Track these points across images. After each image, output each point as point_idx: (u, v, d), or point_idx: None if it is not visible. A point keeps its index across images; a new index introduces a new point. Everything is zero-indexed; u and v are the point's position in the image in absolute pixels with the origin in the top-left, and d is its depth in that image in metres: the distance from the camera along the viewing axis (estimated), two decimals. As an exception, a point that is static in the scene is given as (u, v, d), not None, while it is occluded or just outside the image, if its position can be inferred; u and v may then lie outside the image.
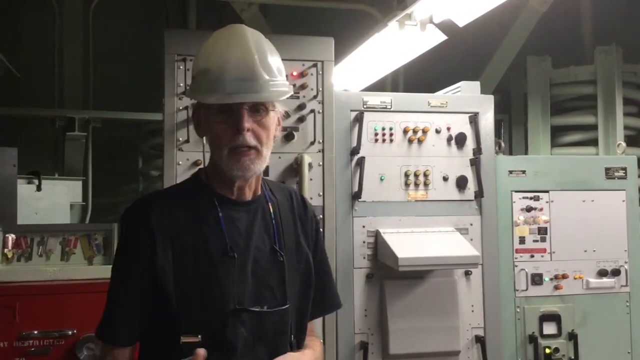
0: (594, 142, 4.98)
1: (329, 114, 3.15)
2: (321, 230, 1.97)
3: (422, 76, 5.00)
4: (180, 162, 2.99)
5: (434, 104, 3.35)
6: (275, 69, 1.66)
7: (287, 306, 1.69)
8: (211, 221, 1.66)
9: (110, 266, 3.05)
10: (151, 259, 1.61)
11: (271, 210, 1.76)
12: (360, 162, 3.21)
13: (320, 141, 3.14)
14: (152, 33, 4.84)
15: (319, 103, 3.14)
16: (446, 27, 3.21)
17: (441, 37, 3.29)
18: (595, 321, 3.60)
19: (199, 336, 1.58)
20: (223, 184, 1.71)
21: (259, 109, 1.64)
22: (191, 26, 5.48)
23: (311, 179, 3.07)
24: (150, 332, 1.65)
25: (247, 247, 1.68)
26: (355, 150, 3.21)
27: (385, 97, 3.32)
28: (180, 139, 2.99)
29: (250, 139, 1.62)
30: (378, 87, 4.70)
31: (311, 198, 3.07)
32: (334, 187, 3.16)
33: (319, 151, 3.13)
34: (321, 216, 3.10)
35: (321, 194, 3.13)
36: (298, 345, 1.76)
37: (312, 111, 3.14)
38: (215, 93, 1.60)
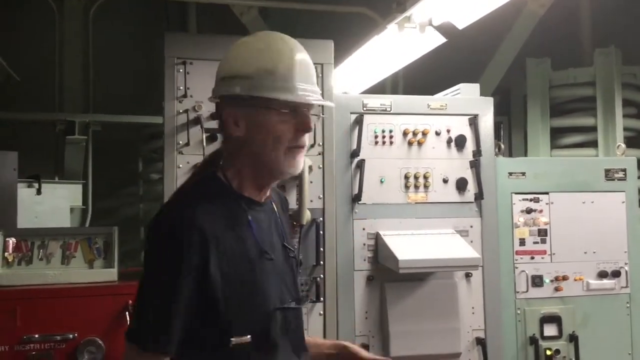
0: (593, 144, 4.98)
1: (329, 116, 3.16)
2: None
3: (422, 78, 5.01)
4: (181, 165, 3.00)
5: (434, 106, 3.36)
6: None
7: (307, 302, 1.76)
8: (243, 224, 1.68)
9: (111, 269, 3.09)
10: (203, 265, 1.59)
11: (276, 209, 1.83)
12: (360, 165, 3.22)
13: (321, 144, 3.14)
14: (152, 36, 4.85)
15: (319, 106, 3.14)
16: (445, 29, 3.21)
17: (440, 40, 3.30)
18: (596, 322, 3.60)
19: (249, 336, 1.62)
20: (252, 186, 1.73)
21: (314, 114, 1.72)
22: (191, 30, 5.49)
23: (311, 182, 3.08)
24: (196, 336, 1.63)
25: (271, 247, 1.74)
26: (355, 153, 3.22)
27: (385, 100, 3.32)
28: (181, 142, 3.00)
29: (307, 141, 1.71)
30: (378, 89, 4.71)
31: (311, 201, 3.07)
32: (334, 190, 3.16)
33: (319, 154, 3.14)
34: (321, 219, 3.11)
35: (321, 196, 3.13)
36: None
37: (312, 114, 3.14)
38: (289, 92, 1.64)
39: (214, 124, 3.04)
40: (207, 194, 1.70)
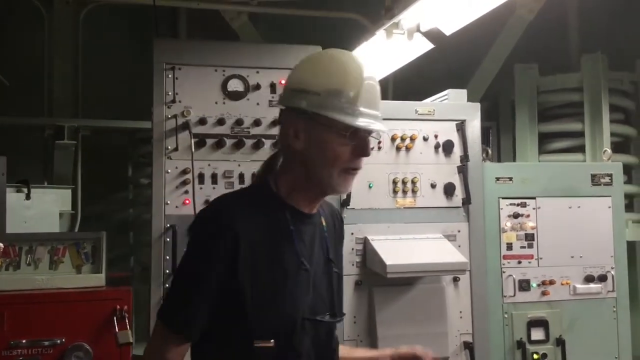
0: (581, 149, 5.01)
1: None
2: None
3: (411, 84, 5.03)
4: (169, 170, 3.01)
5: (422, 112, 3.38)
6: None
7: (344, 316, 1.83)
8: (284, 233, 1.71)
9: (99, 275, 3.09)
10: (232, 265, 1.64)
11: (324, 223, 1.85)
12: (349, 170, 3.22)
13: (309, 149, 3.15)
14: (141, 41, 4.85)
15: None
16: (433, 35, 3.24)
17: (428, 46, 3.33)
18: (583, 327, 3.63)
19: (272, 341, 1.64)
20: (302, 199, 1.76)
21: (373, 137, 1.75)
22: (181, 35, 5.50)
23: (300, 187, 3.08)
24: (221, 333, 1.69)
25: (311, 260, 1.75)
26: (343, 158, 3.23)
27: (373, 105, 3.33)
28: (169, 147, 3.01)
29: (362, 164, 1.74)
30: (367, 94, 4.71)
31: (300, 205, 3.08)
32: (323, 195, 3.17)
33: (308, 159, 3.15)
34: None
35: (310, 201, 3.14)
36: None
37: (301, 119, 3.16)
38: (352, 116, 1.66)
39: (202, 129, 3.06)
40: (253, 200, 1.76)
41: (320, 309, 1.77)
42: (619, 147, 4.96)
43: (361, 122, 1.67)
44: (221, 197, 1.81)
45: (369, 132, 1.71)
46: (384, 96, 5.65)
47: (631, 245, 4.63)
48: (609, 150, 4.06)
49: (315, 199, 1.78)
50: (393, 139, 3.32)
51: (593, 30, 5.42)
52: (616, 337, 3.69)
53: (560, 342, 3.55)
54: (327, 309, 1.79)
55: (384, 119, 3.38)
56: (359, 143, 1.69)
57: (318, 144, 1.69)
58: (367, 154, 1.71)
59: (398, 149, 3.33)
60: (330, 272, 1.82)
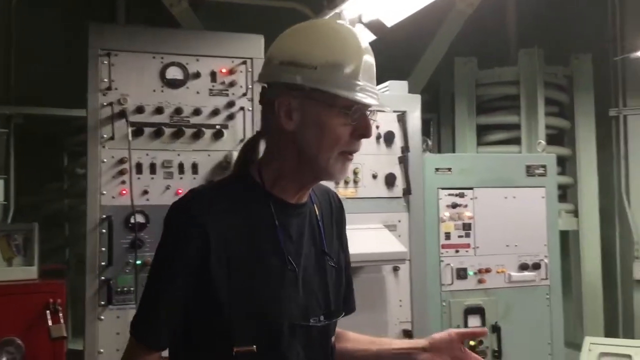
0: (517, 141, 5.14)
1: (259, 111, 3.14)
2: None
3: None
4: (105, 160, 2.93)
5: (363, 103, 3.39)
6: None
7: (340, 317, 1.68)
8: (266, 228, 1.54)
9: (31, 267, 2.99)
10: (202, 264, 1.48)
11: (317, 212, 1.67)
12: (290, 160, 3.21)
13: (250, 140, 3.12)
14: (77, 26, 4.70)
15: (249, 100, 3.14)
16: (375, 27, 3.26)
17: (370, 37, 3.34)
18: (517, 313, 3.73)
19: (254, 346, 1.50)
20: (290, 187, 1.58)
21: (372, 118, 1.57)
22: (120, 21, 5.35)
23: (240, 177, 3.06)
24: (198, 337, 1.54)
25: (298, 255, 1.58)
26: (284, 148, 3.21)
27: (315, 95, 3.32)
28: (105, 135, 2.93)
29: (360, 147, 1.58)
30: (309, 85, 4.70)
31: (240, 196, 3.05)
32: (264, 185, 3.15)
33: (249, 149, 3.12)
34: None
35: (251, 191, 3.12)
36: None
37: (242, 109, 3.14)
38: (356, 91, 1.48)
39: (140, 118, 2.98)
40: (231, 191, 1.58)
41: (313, 309, 1.60)
42: (553, 139, 5.11)
43: (366, 97, 1.49)
44: (195, 188, 1.61)
45: (369, 111, 1.54)
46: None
47: (564, 235, 4.80)
48: (543, 142, 4.18)
49: (305, 187, 1.60)
50: (334, 130, 3.32)
51: (530, 25, 5.56)
52: (549, 323, 3.81)
53: (495, 329, 3.65)
54: (322, 308, 1.62)
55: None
56: (360, 123, 1.51)
57: (315, 124, 1.50)
58: (368, 135, 1.53)
59: (339, 139, 3.33)
60: (324, 266, 1.64)
